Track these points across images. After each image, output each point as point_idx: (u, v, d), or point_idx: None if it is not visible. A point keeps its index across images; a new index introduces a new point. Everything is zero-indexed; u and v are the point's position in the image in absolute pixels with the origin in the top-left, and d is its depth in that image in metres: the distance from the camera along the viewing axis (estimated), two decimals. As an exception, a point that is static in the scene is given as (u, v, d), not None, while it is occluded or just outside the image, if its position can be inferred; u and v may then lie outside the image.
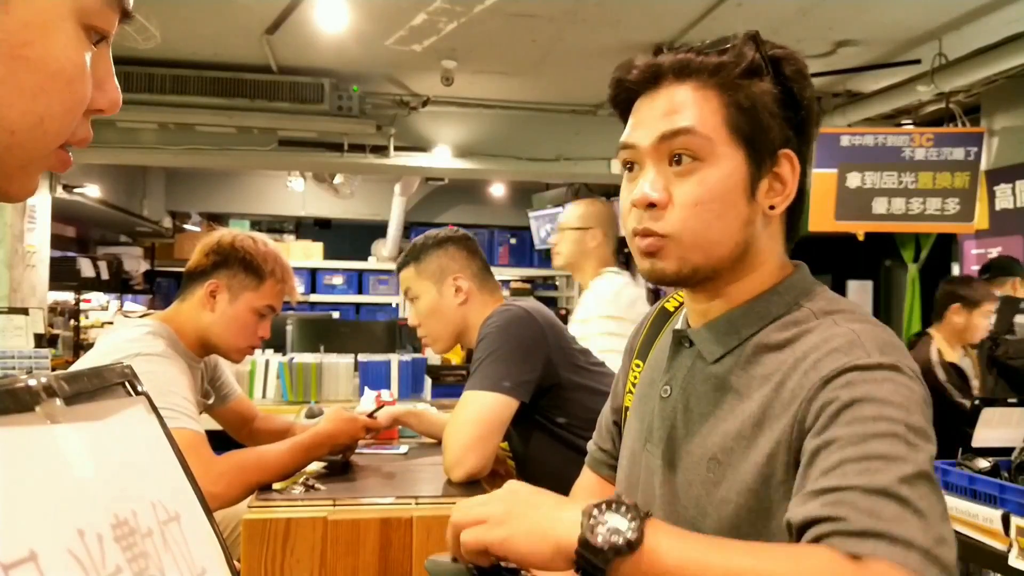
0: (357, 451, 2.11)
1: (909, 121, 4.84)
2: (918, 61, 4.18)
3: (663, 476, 1.01)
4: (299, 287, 2.22)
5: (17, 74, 0.52)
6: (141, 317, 2.09)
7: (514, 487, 0.85)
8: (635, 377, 1.18)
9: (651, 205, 0.95)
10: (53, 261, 5.56)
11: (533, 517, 0.80)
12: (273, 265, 2.04)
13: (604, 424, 1.30)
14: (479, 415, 1.88)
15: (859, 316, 0.94)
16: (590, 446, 1.34)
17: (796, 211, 1.02)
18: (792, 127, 0.97)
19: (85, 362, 1.95)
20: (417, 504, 1.77)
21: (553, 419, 1.99)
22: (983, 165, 4.20)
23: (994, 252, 4.28)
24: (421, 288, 2.14)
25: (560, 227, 3.06)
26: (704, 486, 0.95)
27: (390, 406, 2.29)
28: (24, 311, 4.33)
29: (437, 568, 0.97)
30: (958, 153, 4.17)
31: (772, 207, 0.97)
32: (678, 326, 1.08)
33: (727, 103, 0.95)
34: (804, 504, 0.79)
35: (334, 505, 1.74)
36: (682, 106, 0.96)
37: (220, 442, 3.98)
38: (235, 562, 0.66)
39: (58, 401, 0.45)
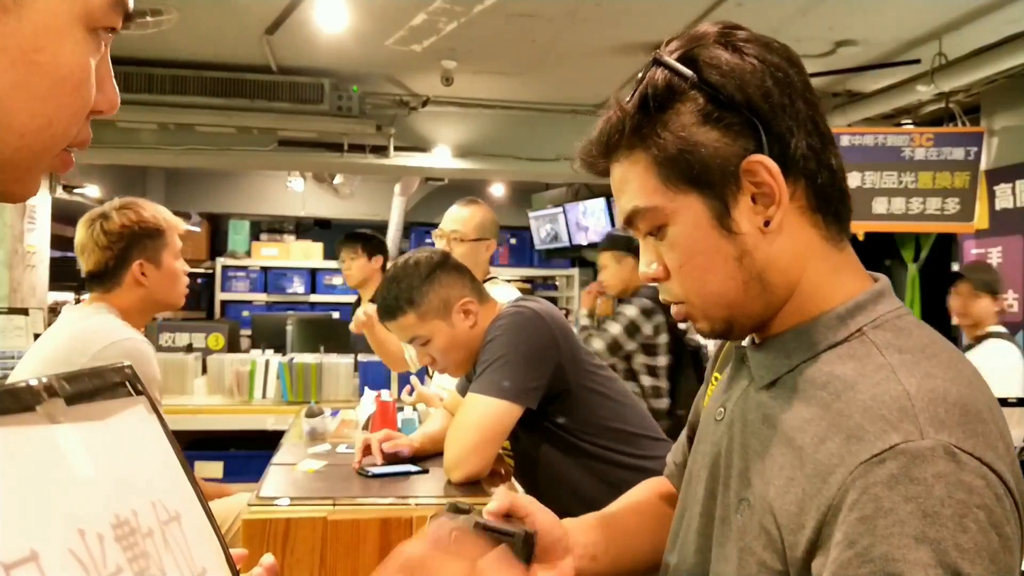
0: (373, 470, 2.04)
1: (909, 121, 4.84)
2: (918, 61, 4.18)
3: (704, 506, 0.94)
4: (189, 229, 2.26)
5: (29, 79, 0.52)
6: (86, 302, 2.11)
7: None
8: (711, 390, 1.11)
9: (654, 279, 0.92)
10: (53, 261, 5.56)
11: None
12: (161, 215, 2.11)
13: (682, 436, 1.22)
14: (483, 420, 1.87)
15: (928, 362, 0.79)
16: (668, 455, 1.25)
17: (822, 192, 0.87)
18: (747, 129, 0.84)
19: (54, 350, 1.95)
20: (417, 504, 1.77)
21: (559, 423, 1.97)
22: (983, 165, 4.20)
23: (994, 252, 4.28)
24: (430, 329, 2.01)
25: (450, 234, 2.86)
26: (730, 528, 0.86)
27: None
28: (24, 311, 4.33)
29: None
30: (958, 153, 4.17)
31: (767, 222, 0.85)
32: (745, 341, 0.96)
33: (653, 159, 0.86)
34: None
35: (334, 505, 1.74)
36: (624, 184, 0.90)
37: (219, 443, 3.99)
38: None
39: (59, 401, 0.45)
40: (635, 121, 0.86)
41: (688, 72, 0.84)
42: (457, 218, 2.90)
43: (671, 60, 0.86)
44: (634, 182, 0.88)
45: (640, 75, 0.88)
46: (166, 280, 2.09)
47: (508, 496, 1.00)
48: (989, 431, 0.73)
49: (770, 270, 0.86)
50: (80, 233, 2.08)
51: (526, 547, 0.94)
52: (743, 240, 0.85)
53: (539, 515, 1.00)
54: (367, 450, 2.11)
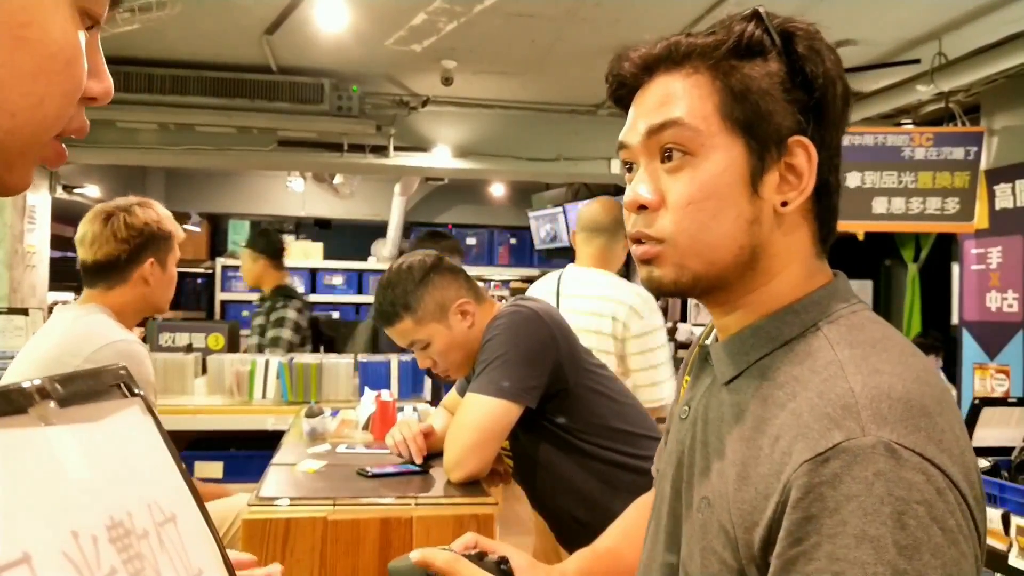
0: (373, 470, 2.03)
1: (909, 121, 4.84)
2: (918, 61, 4.17)
3: (669, 505, 0.94)
4: (189, 229, 2.31)
5: (17, 56, 0.51)
6: (78, 303, 2.12)
7: None
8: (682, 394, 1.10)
9: (642, 207, 0.87)
10: (53, 261, 5.56)
11: None
12: (170, 221, 2.15)
13: (664, 439, 1.22)
14: (482, 420, 1.87)
15: (877, 357, 0.79)
16: (655, 459, 1.26)
17: (826, 206, 0.90)
18: (805, 111, 0.85)
19: (46, 351, 1.95)
20: (417, 504, 1.77)
21: (558, 423, 1.97)
22: (983, 164, 4.19)
23: (994, 251, 4.28)
24: (428, 333, 2.02)
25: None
26: (694, 526, 0.87)
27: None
28: (24, 311, 4.33)
29: (399, 568, 0.98)
30: (958, 153, 4.17)
31: (785, 203, 0.85)
32: (709, 340, 0.97)
33: (719, 88, 0.85)
34: None
35: (334, 505, 1.74)
36: (671, 96, 0.87)
37: (219, 443, 3.98)
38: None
39: (52, 403, 0.44)
40: (723, 52, 0.86)
41: (778, 41, 0.86)
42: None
43: (771, 24, 0.87)
44: (686, 98, 0.86)
45: (727, 22, 0.88)
46: (166, 283, 2.13)
47: (473, 537, 1.05)
48: (934, 424, 0.73)
49: (765, 248, 0.87)
50: (94, 224, 2.07)
51: (502, 570, 0.96)
52: (760, 206, 0.85)
53: (513, 556, 1.05)
54: (409, 445, 2.14)
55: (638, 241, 0.88)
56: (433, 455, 2.15)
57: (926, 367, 0.80)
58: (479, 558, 0.95)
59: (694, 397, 0.96)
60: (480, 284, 2.18)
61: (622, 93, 0.94)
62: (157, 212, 2.12)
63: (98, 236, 2.05)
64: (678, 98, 0.86)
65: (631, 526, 1.24)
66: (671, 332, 3.64)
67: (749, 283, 0.88)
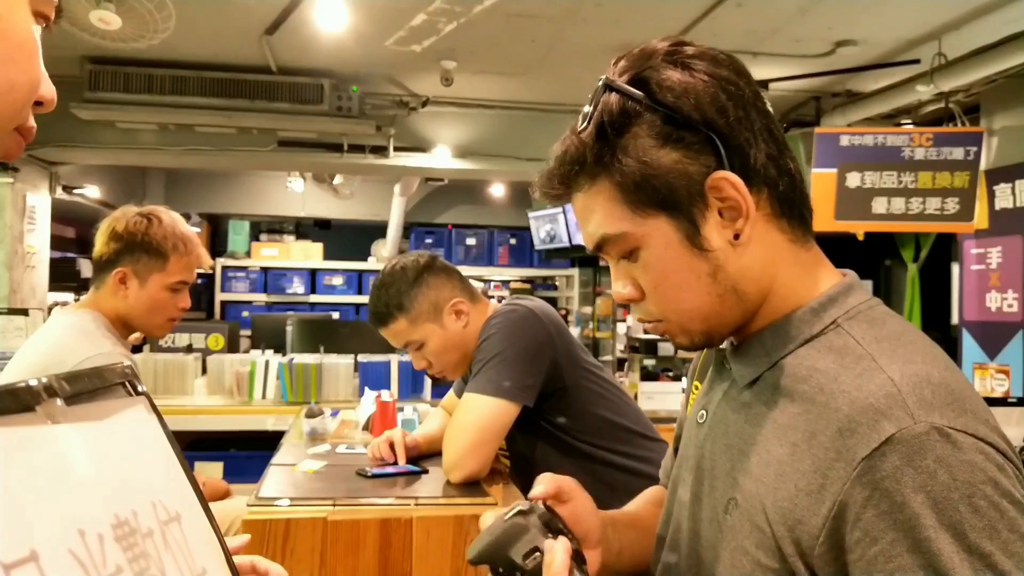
0: (373, 471, 2.02)
1: (909, 121, 4.84)
2: (918, 61, 4.18)
3: (690, 510, 0.95)
4: (205, 257, 2.12)
5: None
6: (75, 306, 2.08)
7: None
8: (693, 399, 1.11)
9: (630, 300, 0.92)
10: (53, 262, 5.55)
11: None
12: (174, 241, 2.02)
13: (672, 445, 1.23)
14: (480, 420, 1.87)
15: (905, 349, 0.80)
16: (663, 462, 1.26)
17: (784, 199, 0.88)
18: (706, 146, 0.84)
19: (35, 358, 1.93)
20: (417, 504, 1.77)
21: (555, 422, 1.97)
22: (983, 165, 4.20)
23: (994, 251, 4.28)
24: (422, 333, 2.02)
25: None
26: (720, 529, 0.87)
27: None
28: (24, 312, 4.33)
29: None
30: (958, 153, 4.17)
31: (737, 235, 0.85)
32: (724, 344, 0.98)
33: (616, 187, 0.86)
34: None
35: (334, 505, 1.74)
36: (588, 214, 0.90)
37: (219, 443, 3.98)
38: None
39: (59, 401, 0.45)
40: (594, 150, 0.86)
41: (641, 95, 0.84)
42: None
43: (623, 84, 0.85)
44: (599, 211, 0.88)
45: (591, 100, 0.88)
46: (144, 302, 2.00)
47: (554, 480, 1.00)
48: (975, 406, 0.75)
49: (743, 280, 0.87)
50: (106, 222, 2.05)
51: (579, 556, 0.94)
52: (715, 256, 0.86)
53: (580, 502, 1.02)
54: (384, 451, 2.11)
55: (646, 323, 0.94)
56: (432, 456, 2.15)
57: (949, 359, 0.82)
58: (546, 523, 0.94)
59: (711, 401, 0.97)
60: (476, 284, 2.17)
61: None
62: (151, 224, 2.01)
63: (100, 234, 2.04)
64: (592, 213, 0.89)
65: (643, 507, 1.23)
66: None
67: (751, 308, 0.89)
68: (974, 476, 0.70)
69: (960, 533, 0.69)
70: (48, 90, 0.60)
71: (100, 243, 2.03)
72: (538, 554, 0.89)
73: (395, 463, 2.09)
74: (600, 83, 0.88)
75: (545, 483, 0.99)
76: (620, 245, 0.88)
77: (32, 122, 0.60)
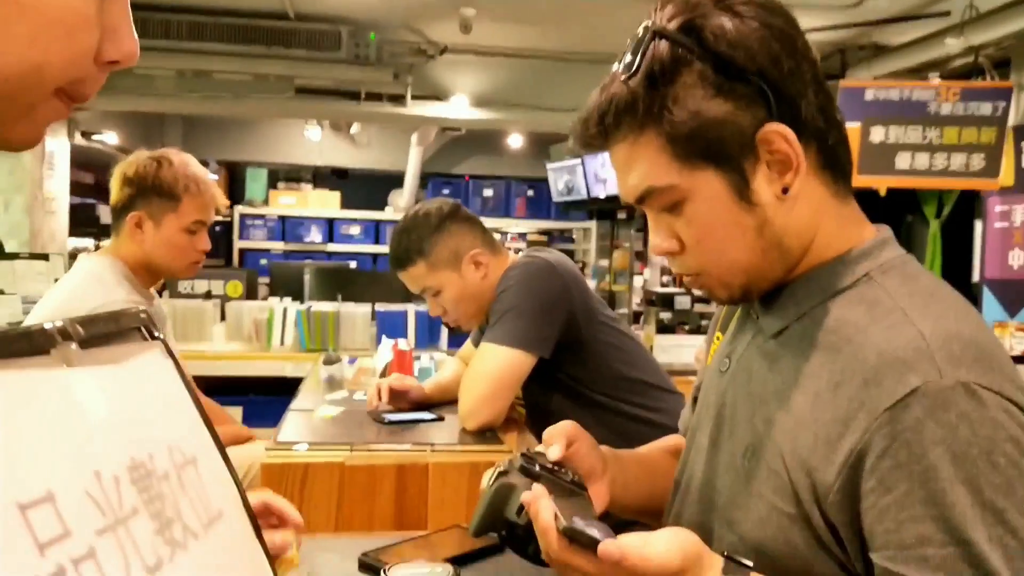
0: (390, 417, 2.05)
1: (936, 75, 4.74)
2: (948, 13, 4.07)
3: (707, 455, 0.95)
4: (221, 196, 2.10)
5: (8, 20, 0.49)
6: (99, 252, 2.10)
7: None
8: (715, 349, 1.11)
9: (669, 253, 0.90)
10: (73, 208, 5.58)
11: None
12: (185, 182, 2.01)
13: (692, 395, 1.23)
14: (496, 370, 1.88)
15: (938, 305, 0.80)
16: (683, 412, 1.26)
17: (830, 152, 0.86)
18: (756, 96, 0.82)
19: (59, 303, 1.95)
20: (433, 451, 1.79)
21: (571, 374, 1.98)
22: (1010, 121, 4.11)
23: (1019, 209, 4.22)
24: (440, 280, 2.03)
25: None
26: (738, 475, 0.88)
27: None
28: (45, 257, 4.37)
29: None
30: (985, 108, 4.09)
31: (786, 189, 0.84)
32: None
33: (663, 138, 0.83)
34: None
35: (351, 451, 1.76)
36: (631, 166, 0.87)
37: (239, 388, 4.03)
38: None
39: (73, 345, 0.45)
40: (643, 99, 0.83)
41: (693, 43, 0.82)
42: None
43: (674, 32, 0.83)
44: (645, 162, 0.86)
45: (636, 47, 0.84)
46: (162, 245, 2.01)
47: (563, 435, 1.01)
48: (1003, 365, 0.75)
49: (788, 235, 0.86)
50: (118, 169, 2.06)
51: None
52: (762, 210, 0.85)
53: (580, 443, 1.03)
54: (379, 394, 2.14)
55: (682, 277, 0.92)
56: (448, 403, 2.17)
57: (979, 315, 0.82)
58: (551, 473, 0.96)
59: (735, 350, 0.98)
60: (496, 236, 2.16)
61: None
62: (161, 166, 2.00)
63: (113, 180, 2.04)
64: (636, 165, 0.86)
65: (653, 450, 1.25)
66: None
67: (792, 263, 0.88)
68: (996, 433, 0.70)
69: (976, 488, 0.69)
70: (116, 51, 0.55)
71: (114, 190, 2.04)
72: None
73: (409, 411, 2.11)
74: (646, 29, 0.84)
75: (556, 440, 0.99)
76: (665, 198, 0.86)
77: (91, 87, 0.55)
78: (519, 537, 0.93)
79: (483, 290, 2.03)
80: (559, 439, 0.99)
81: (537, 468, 0.94)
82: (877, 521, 0.73)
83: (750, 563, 0.78)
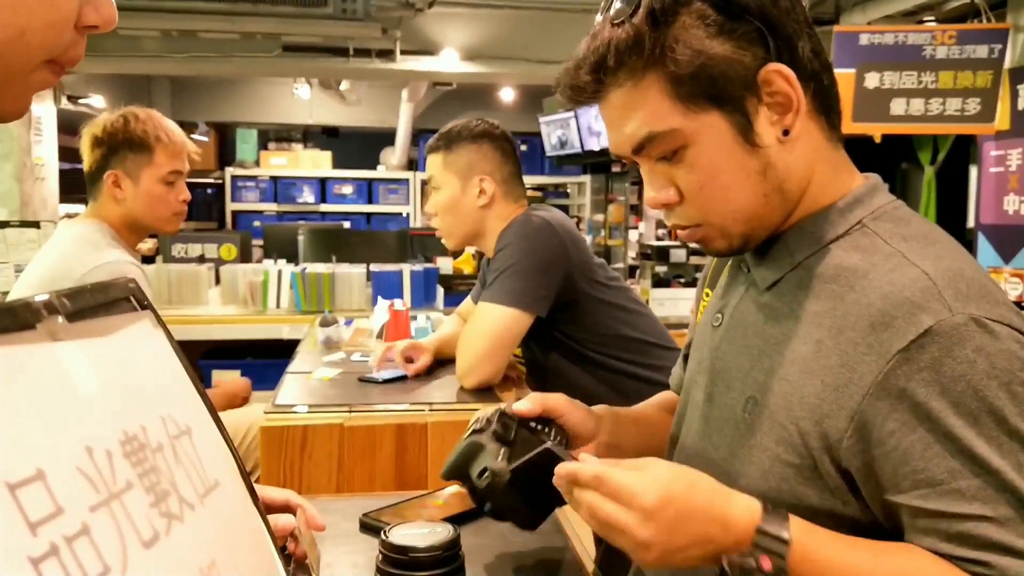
0: (385, 375, 2.06)
1: (932, 19, 4.68)
2: (943, -47, 4.01)
3: (702, 410, 0.95)
4: (197, 139, 2.15)
5: None
6: (80, 217, 2.09)
7: (669, 501, 0.75)
8: (704, 306, 1.11)
9: (666, 205, 0.88)
10: (62, 173, 5.53)
11: (690, 554, 0.76)
12: (155, 133, 2.01)
13: (683, 352, 1.23)
14: (494, 328, 1.89)
15: (934, 247, 0.80)
16: (673, 369, 1.26)
17: (824, 95, 0.86)
18: (757, 36, 0.81)
19: (44, 271, 1.95)
20: (431, 410, 1.80)
21: (569, 332, 1.99)
22: (1007, 63, 4.07)
23: (1014, 153, 4.19)
24: (445, 180, 2.07)
25: None
26: (737, 427, 0.87)
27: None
28: (36, 224, 4.34)
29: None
30: (981, 51, 4.04)
31: (787, 131, 0.83)
32: None
33: (665, 79, 0.81)
34: (922, 535, 0.74)
35: (350, 412, 1.76)
36: (630, 111, 0.84)
37: (235, 352, 4.03)
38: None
39: (60, 318, 0.44)
40: (645, 38, 0.81)
41: None
42: None
43: None
44: (646, 107, 0.83)
45: None
46: (143, 199, 2.01)
47: (539, 399, 1.01)
48: (1007, 300, 0.77)
49: (789, 179, 0.85)
50: (84, 133, 2.05)
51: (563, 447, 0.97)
52: (766, 152, 0.84)
53: (572, 415, 1.03)
54: (386, 358, 2.14)
55: (679, 230, 0.90)
56: (446, 361, 2.18)
57: (970, 255, 0.82)
58: (531, 430, 0.97)
59: (727, 305, 0.97)
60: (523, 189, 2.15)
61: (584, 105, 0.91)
62: (128, 121, 1.99)
63: (83, 145, 2.03)
64: (636, 110, 0.84)
65: (649, 407, 1.25)
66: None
67: (790, 208, 0.87)
68: (1012, 364, 0.72)
69: (1001, 418, 0.70)
70: (97, 16, 0.56)
71: (86, 153, 2.03)
72: (488, 474, 0.93)
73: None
74: None
75: (531, 401, 1.00)
76: (666, 144, 0.84)
77: (78, 50, 0.56)
78: (477, 496, 0.98)
79: (476, 216, 2.06)
80: (534, 404, 1.00)
81: (513, 434, 0.95)
82: (902, 462, 0.73)
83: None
